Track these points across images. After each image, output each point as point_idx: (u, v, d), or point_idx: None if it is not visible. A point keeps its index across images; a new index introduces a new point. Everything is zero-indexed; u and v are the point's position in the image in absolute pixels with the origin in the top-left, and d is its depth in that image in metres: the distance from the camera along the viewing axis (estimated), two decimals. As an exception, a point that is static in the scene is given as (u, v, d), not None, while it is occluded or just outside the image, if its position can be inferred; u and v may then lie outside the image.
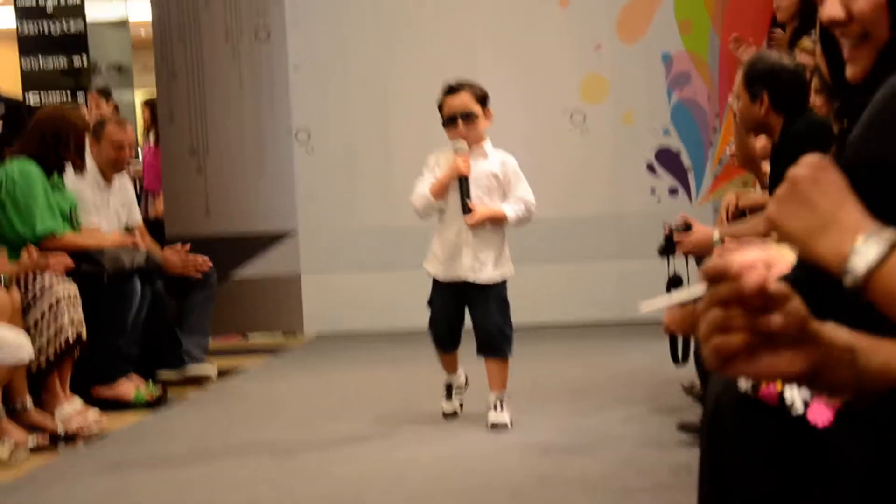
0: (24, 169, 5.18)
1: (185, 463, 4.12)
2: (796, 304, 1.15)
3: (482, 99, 4.36)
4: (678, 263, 3.93)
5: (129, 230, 5.72)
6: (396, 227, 7.02)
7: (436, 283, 4.41)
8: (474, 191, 4.29)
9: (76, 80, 11.13)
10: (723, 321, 1.13)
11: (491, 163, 4.38)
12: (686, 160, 7.23)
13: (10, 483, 3.95)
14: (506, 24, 7.26)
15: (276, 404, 5.18)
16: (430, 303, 4.42)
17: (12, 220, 5.12)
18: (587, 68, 7.23)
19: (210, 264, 5.79)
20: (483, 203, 4.31)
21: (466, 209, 4.26)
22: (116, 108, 8.07)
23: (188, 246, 5.80)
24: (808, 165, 1.30)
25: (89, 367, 5.08)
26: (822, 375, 1.19)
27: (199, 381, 5.70)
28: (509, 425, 4.29)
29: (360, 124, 7.27)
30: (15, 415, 4.50)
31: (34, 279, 4.76)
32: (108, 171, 5.69)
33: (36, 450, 4.37)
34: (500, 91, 7.28)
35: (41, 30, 10.96)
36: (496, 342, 4.34)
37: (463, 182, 4.27)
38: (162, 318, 5.58)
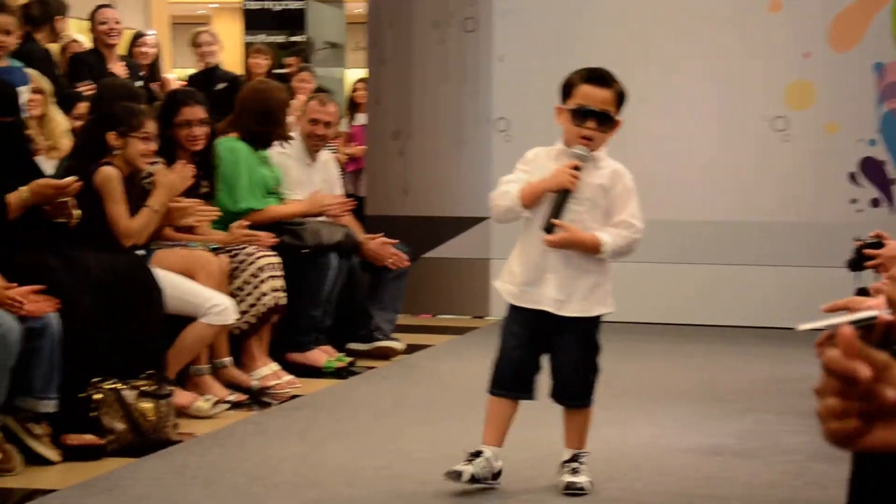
0: (231, 146, 5.53)
1: (369, 431, 4.35)
2: None
3: (622, 102, 3.48)
4: (868, 278, 3.91)
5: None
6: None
7: (511, 306, 3.51)
8: (574, 205, 3.41)
9: (294, 55, 11.63)
10: (839, 408, 1.23)
11: (601, 173, 3.47)
12: (892, 171, 7.07)
13: (209, 434, 4.28)
14: (712, 27, 7.24)
15: (458, 382, 5.38)
16: (501, 332, 3.56)
17: (221, 194, 5.48)
18: (794, 75, 7.14)
19: (407, 264, 6.01)
20: (581, 220, 3.43)
21: (550, 227, 3.38)
22: (320, 89, 8.40)
23: (392, 243, 6.03)
24: None
25: (285, 333, 5.40)
26: None
27: (386, 354, 5.95)
28: (587, 489, 3.48)
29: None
30: (217, 373, 4.85)
31: (241, 248, 5.10)
32: (310, 146, 5.97)
33: (234, 406, 4.70)
34: (700, 93, 7.31)
35: (265, 6, 11.51)
36: (574, 392, 3.54)
37: (560, 196, 3.39)
38: (355, 293, 5.86)
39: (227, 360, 4.94)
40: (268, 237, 5.22)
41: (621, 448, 4.08)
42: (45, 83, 5.69)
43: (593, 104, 3.39)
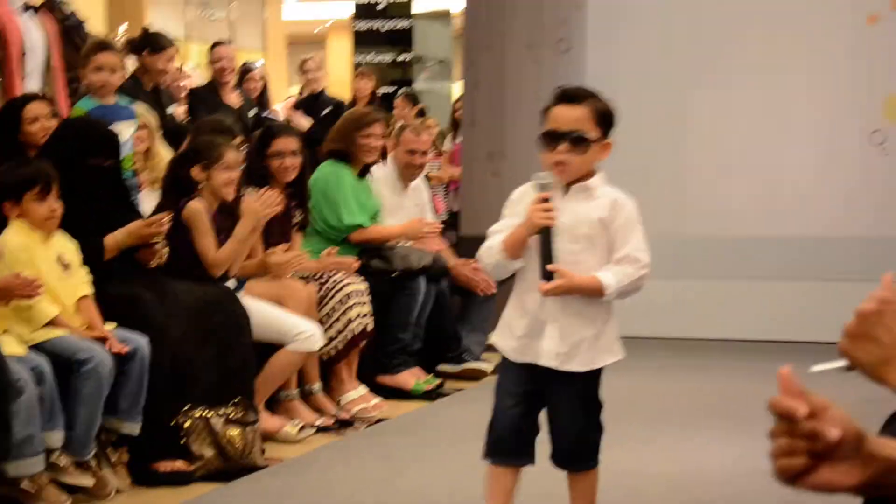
0: (334, 170, 5.74)
1: (450, 455, 4.46)
2: (839, 414, 1.32)
3: (604, 120, 3.05)
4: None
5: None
6: (684, 235, 7.20)
7: (504, 365, 3.18)
8: (568, 244, 3.00)
9: (402, 72, 11.88)
10: (787, 447, 1.32)
11: (597, 205, 3.04)
12: None
13: (296, 459, 4.45)
14: (809, 40, 7.19)
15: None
16: (495, 392, 3.16)
17: (323, 213, 5.67)
18: (891, 88, 7.04)
19: (494, 290, 6.09)
20: (579, 260, 3.01)
21: (546, 273, 2.98)
22: (422, 111, 8.57)
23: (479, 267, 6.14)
24: (874, 300, 1.44)
25: (374, 356, 5.57)
26: (886, 487, 1.33)
27: (475, 376, 6.07)
28: None
29: (651, 139, 7.44)
30: (305, 398, 5.03)
31: (329, 275, 5.28)
32: (404, 174, 6.14)
33: (321, 430, 4.87)
34: (797, 107, 7.25)
35: (373, 26, 11.78)
36: (577, 453, 3.15)
37: (544, 236, 2.98)
38: (444, 315, 6.00)
39: (317, 385, 5.11)
40: (353, 262, 5.39)
41: (698, 470, 4.12)
42: (152, 119, 5.95)
43: (562, 125, 3.02)
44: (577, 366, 3.05)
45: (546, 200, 2.98)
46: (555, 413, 3.13)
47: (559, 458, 3.16)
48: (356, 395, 5.25)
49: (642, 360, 6.80)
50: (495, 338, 3.17)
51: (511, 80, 7.63)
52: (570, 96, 3.04)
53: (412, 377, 5.72)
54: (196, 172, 4.67)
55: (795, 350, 6.86)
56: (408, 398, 5.59)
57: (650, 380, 6.08)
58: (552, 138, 3.02)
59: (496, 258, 3.05)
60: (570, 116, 3.01)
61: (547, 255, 2.97)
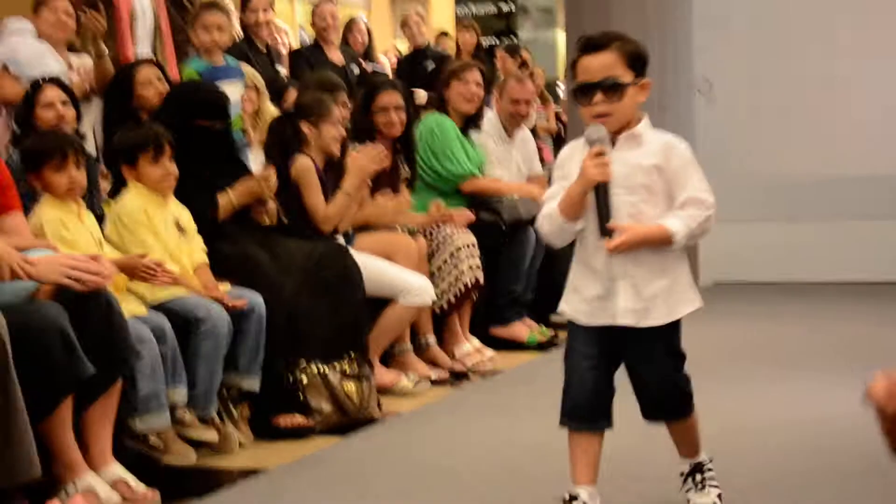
0: (438, 121, 5.74)
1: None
2: None
3: (636, 61, 2.89)
4: None
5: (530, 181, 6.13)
6: (796, 177, 7.05)
7: (574, 328, 2.99)
8: (625, 196, 2.85)
9: (506, 23, 11.81)
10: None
11: (648, 151, 2.88)
12: None
13: (411, 412, 4.49)
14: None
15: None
16: (566, 357, 3.00)
17: (431, 164, 5.67)
18: None
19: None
20: (639, 212, 2.86)
21: (605, 231, 2.83)
22: (524, 63, 8.48)
23: None
24: None
25: (487, 309, 5.57)
26: None
27: (589, 325, 6.03)
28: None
29: (763, 76, 7.27)
30: (419, 351, 5.07)
31: (438, 229, 5.29)
32: (509, 124, 6.10)
33: (436, 383, 4.90)
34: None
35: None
36: (671, 405, 3.03)
37: (600, 191, 2.82)
38: (555, 266, 5.95)
39: (430, 338, 5.14)
40: (464, 216, 5.39)
41: (819, 416, 4.03)
42: (260, 80, 6.00)
43: (592, 75, 2.84)
44: (655, 320, 2.90)
45: (601, 155, 2.82)
46: (637, 370, 2.99)
47: (651, 413, 3.06)
48: (470, 348, 5.28)
49: (755, 304, 6.73)
50: (564, 305, 3.00)
51: (616, 26, 7.48)
52: (594, 44, 2.87)
53: (525, 328, 5.73)
54: (304, 128, 4.70)
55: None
56: (521, 349, 5.59)
57: (765, 325, 6.00)
58: (585, 91, 2.86)
59: (557, 223, 2.89)
60: (599, 64, 2.85)
61: (605, 212, 2.83)
